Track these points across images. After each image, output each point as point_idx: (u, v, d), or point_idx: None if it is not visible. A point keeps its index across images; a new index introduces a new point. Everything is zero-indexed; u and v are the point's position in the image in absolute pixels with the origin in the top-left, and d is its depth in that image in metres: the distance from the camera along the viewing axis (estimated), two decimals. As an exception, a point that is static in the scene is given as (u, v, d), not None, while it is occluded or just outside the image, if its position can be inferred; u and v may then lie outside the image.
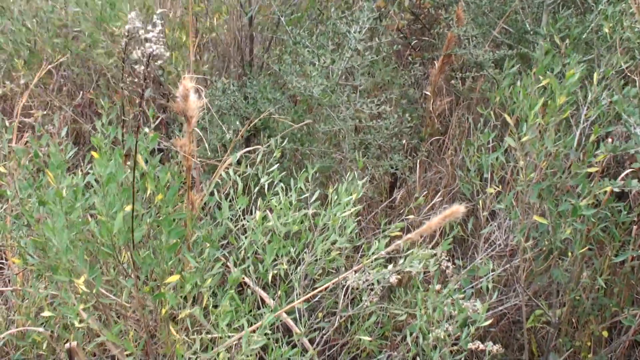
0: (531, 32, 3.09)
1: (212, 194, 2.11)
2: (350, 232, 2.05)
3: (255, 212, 2.04)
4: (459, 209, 1.74)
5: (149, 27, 1.56)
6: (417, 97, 3.33)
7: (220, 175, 2.15)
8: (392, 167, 3.01)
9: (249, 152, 2.54)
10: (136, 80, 1.59)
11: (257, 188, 2.07)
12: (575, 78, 2.17)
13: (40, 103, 3.26)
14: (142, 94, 1.58)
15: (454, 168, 3.10)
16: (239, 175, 2.07)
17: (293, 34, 2.86)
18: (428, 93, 3.12)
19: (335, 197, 1.99)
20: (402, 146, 3.10)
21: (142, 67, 1.56)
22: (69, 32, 3.36)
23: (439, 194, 2.99)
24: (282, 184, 2.04)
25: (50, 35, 3.26)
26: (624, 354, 2.61)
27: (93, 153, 1.69)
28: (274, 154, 2.12)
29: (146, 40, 1.55)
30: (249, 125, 2.71)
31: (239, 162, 2.35)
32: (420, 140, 3.22)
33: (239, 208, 2.03)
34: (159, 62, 1.56)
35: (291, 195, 1.97)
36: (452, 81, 3.31)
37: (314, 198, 2.05)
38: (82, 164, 1.93)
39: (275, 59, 3.14)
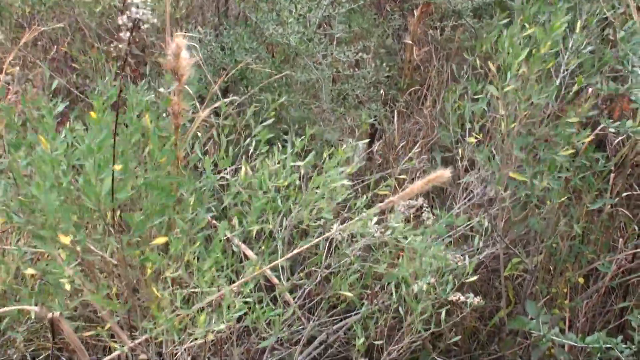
0: (509, -20, 3.05)
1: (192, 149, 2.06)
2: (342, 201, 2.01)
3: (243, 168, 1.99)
4: (443, 173, 1.73)
5: None
6: (396, 49, 3.30)
7: (199, 126, 2.10)
8: (370, 117, 2.98)
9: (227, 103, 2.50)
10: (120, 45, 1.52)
11: (247, 141, 2.02)
12: (562, 29, 2.16)
13: (13, 59, 3.14)
14: (124, 60, 1.51)
15: (432, 119, 3.09)
16: (222, 128, 2.03)
17: (270, -19, 2.80)
18: (408, 42, 3.08)
19: (335, 164, 1.94)
20: (380, 96, 3.08)
21: (127, 34, 1.49)
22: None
23: (418, 144, 2.98)
24: (277, 143, 1.98)
25: None
26: (600, 300, 2.67)
27: (91, 113, 1.63)
28: (267, 112, 2.06)
29: (133, 5, 1.47)
30: (226, 76, 2.65)
31: (217, 114, 2.30)
32: (398, 90, 3.20)
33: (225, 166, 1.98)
34: (145, 26, 1.49)
35: (287, 157, 1.92)
36: (430, 31, 3.27)
37: (307, 160, 2.00)
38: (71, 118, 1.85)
39: (251, 7, 3.07)
